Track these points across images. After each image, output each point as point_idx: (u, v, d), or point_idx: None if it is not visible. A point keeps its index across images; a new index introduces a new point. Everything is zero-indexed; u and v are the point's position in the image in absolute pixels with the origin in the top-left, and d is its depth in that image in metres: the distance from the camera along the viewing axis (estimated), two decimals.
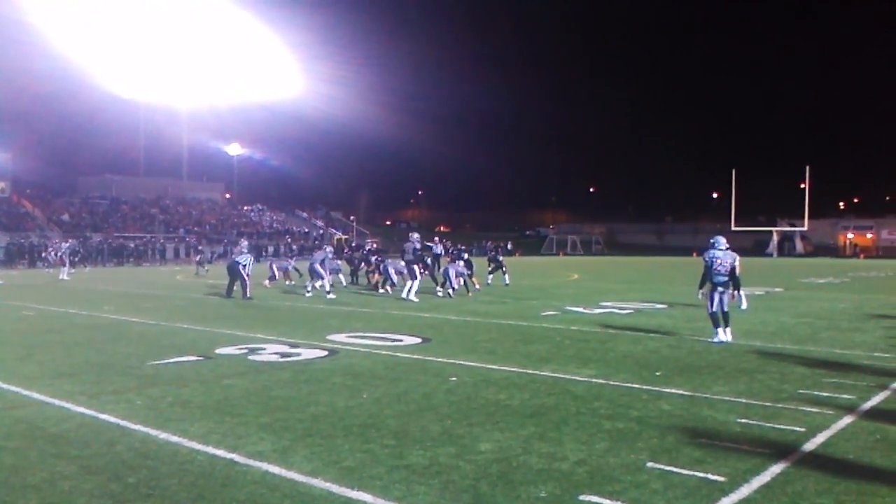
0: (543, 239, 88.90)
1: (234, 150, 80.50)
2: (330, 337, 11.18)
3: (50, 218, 58.25)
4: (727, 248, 10.80)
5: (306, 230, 70.72)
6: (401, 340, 10.88)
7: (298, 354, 9.61)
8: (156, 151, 77.99)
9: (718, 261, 10.59)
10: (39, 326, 13.23)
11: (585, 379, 7.90)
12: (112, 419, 6.17)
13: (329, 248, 21.29)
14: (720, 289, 10.54)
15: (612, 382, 7.72)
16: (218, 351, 9.86)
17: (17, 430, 5.89)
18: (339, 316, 14.53)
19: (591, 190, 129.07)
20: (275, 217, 74.45)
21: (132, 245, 51.88)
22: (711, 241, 10.99)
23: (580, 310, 15.49)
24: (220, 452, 5.18)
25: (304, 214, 79.32)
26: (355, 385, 7.59)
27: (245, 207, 76.94)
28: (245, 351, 9.84)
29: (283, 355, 9.55)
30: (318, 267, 18.96)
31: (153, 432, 5.74)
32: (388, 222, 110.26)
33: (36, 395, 7.14)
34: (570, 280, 28.04)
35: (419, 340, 10.91)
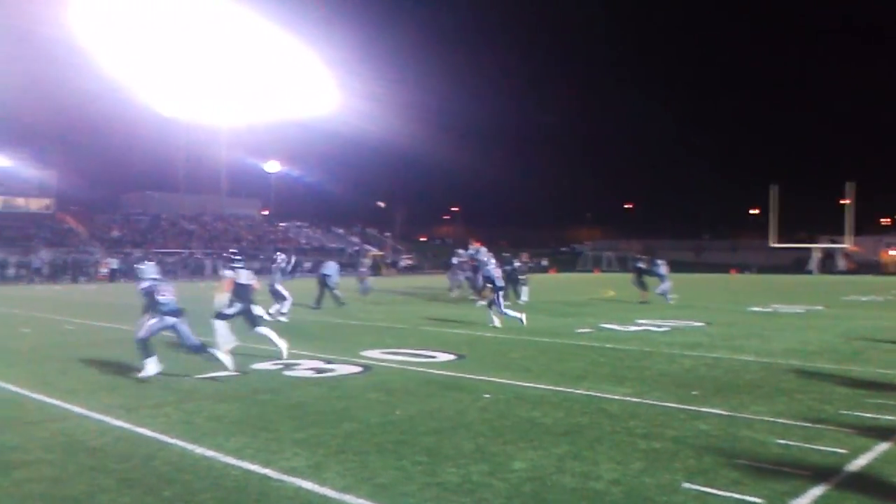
0: (578, 255, 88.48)
1: (272, 167, 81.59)
2: (364, 353, 11.22)
3: (93, 234, 59.40)
4: None
5: (342, 246, 71.22)
6: (435, 357, 10.88)
7: (333, 370, 9.66)
8: (195, 168, 79.34)
9: None
10: (80, 340, 13.49)
11: (620, 397, 7.81)
12: (149, 433, 6.25)
13: (282, 257, 19.17)
14: None
15: (647, 401, 7.62)
16: (254, 366, 9.96)
17: (58, 442, 5.99)
18: (372, 332, 14.58)
19: (628, 206, 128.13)
20: (311, 233, 75.12)
21: (171, 260, 52.72)
22: None
23: (615, 327, 15.35)
24: (255, 467, 5.22)
25: (341, 231, 79.96)
26: (389, 401, 7.60)
27: (282, 224, 77.81)
28: (280, 366, 9.92)
29: (318, 371, 9.60)
30: (279, 287, 17.37)
31: (189, 446, 5.80)
32: (423, 238, 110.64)
33: (76, 409, 7.26)
34: (605, 297, 27.83)
35: (453, 357, 10.90)
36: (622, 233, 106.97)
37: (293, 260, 20.52)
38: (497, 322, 15.33)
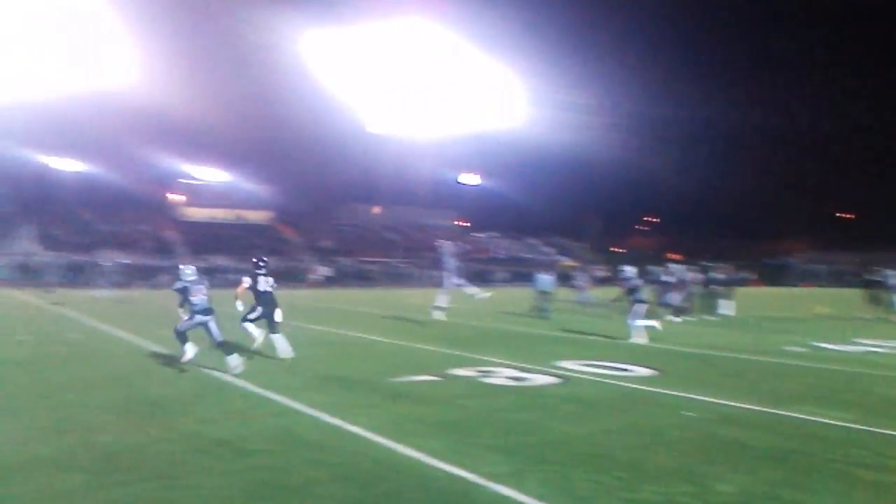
0: (786, 268, 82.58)
1: (468, 178, 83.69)
2: (560, 364, 11.21)
3: (306, 243, 64.04)
4: None
5: (534, 256, 71.48)
6: (632, 371, 10.65)
7: (529, 379, 9.74)
8: (397, 181, 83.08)
9: None
10: (297, 341, 14.56)
11: (838, 423, 7.21)
12: (359, 431, 6.65)
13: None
14: None
15: (870, 429, 6.99)
16: (451, 372, 10.27)
17: (278, 435, 6.54)
18: (568, 343, 14.52)
19: (843, 215, 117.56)
20: (506, 244, 76.11)
21: (374, 269, 55.52)
22: None
23: (831, 346, 14.18)
24: (458, 471, 5.40)
25: (534, 241, 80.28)
26: (586, 413, 7.56)
27: (477, 234, 79.48)
28: (477, 373, 10.16)
29: (515, 379, 9.73)
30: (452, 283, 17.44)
31: (395, 446, 6.11)
32: (617, 249, 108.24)
33: (292, 404, 7.88)
34: (817, 313, 25.75)
35: (651, 372, 10.61)
36: (835, 244, 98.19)
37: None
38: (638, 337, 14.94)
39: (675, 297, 22.18)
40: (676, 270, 22.59)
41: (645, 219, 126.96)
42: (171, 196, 73.94)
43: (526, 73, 67.33)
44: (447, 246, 18.54)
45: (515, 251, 73.29)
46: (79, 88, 60.08)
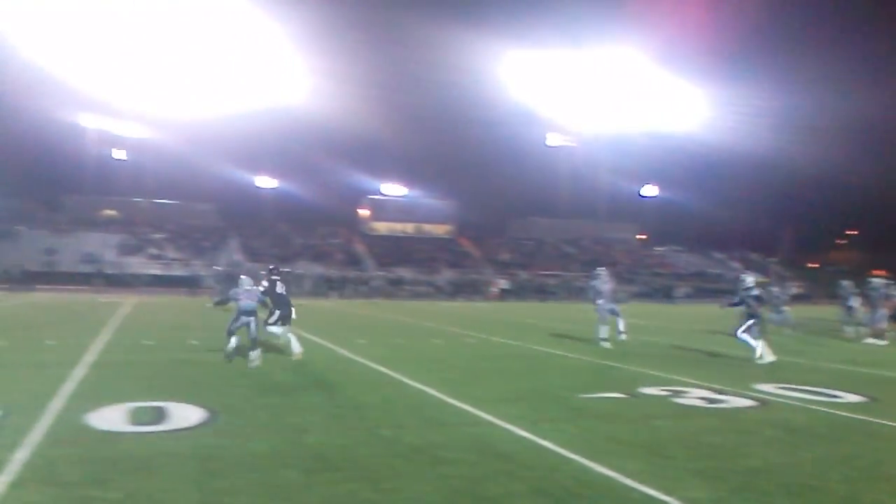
0: None
1: (648, 190, 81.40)
2: (757, 386, 10.61)
3: (485, 257, 65.03)
4: None
5: (720, 272, 68.11)
6: (838, 397, 9.88)
7: (724, 401, 9.31)
8: (574, 194, 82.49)
9: None
10: (481, 353, 14.87)
11: None
12: (551, 446, 6.67)
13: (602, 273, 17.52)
14: None
15: None
16: (641, 390, 10.03)
17: (473, 445, 6.68)
18: (764, 365, 13.70)
19: None
20: (689, 258, 73.16)
21: (552, 282, 55.33)
22: None
23: None
24: (655, 493, 5.27)
25: (720, 256, 76.53)
26: (791, 440, 7.11)
27: (658, 248, 77.04)
28: (668, 393, 9.85)
29: (708, 401, 9.34)
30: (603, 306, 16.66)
31: (589, 463, 6.06)
32: (812, 264, 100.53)
33: (484, 416, 8.02)
34: None
35: (861, 399, 9.79)
36: None
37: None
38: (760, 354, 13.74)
39: (881, 317, 20.33)
40: (879, 286, 20.74)
41: (847, 232, 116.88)
42: (359, 211, 77.86)
43: (700, 77, 64.71)
44: (603, 273, 17.58)
45: (699, 266, 70.19)
46: (277, 112, 64.93)
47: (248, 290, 12.29)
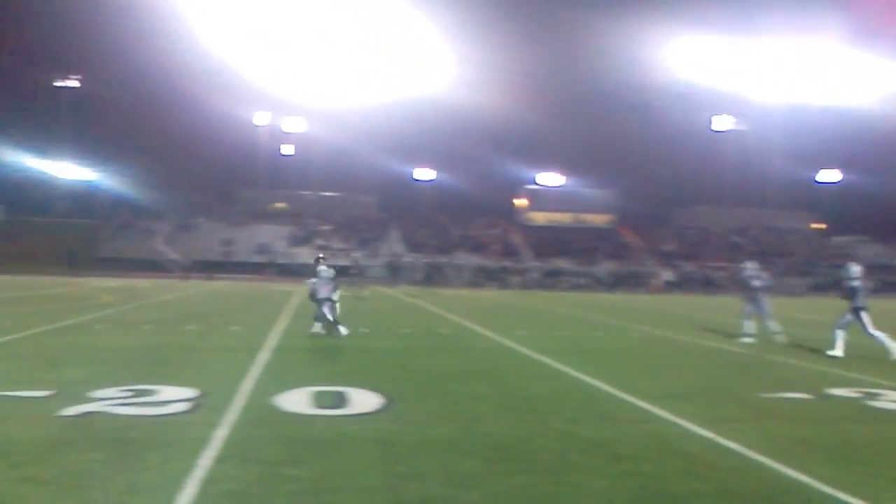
0: None
1: (826, 175, 75.88)
2: None
3: (648, 247, 63.28)
4: None
5: None
6: None
7: None
8: (742, 180, 78.38)
9: None
10: (647, 347, 14.49)
11: None
12: (734, 446, 6.38)
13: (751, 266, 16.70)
14: None
15: None
16: (829, 391, 9.39)
17: (651, 442, 6.52)
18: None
19: None
20: (876, 249, 67.53)
21: (719, 275, 52.92)
22: None
23: None
24: (858, 501, 4.93)
25: None
26: None
27: (838, 238, 71.66)
28: (861, 395, 9.16)
29: None
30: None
31: (777, 466, 5.76)
32: None
33: (658, 412, 7.80)
34: None
35: None
36: None
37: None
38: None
39: None
40: None
41: None
42: (516, 201, 77.95)
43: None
44: (752, 266, 16.64)
45: (888, 258, 64.61)
46: (434, 104, 66.25)
47: (325, 278, 14.63)
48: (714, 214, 74.02)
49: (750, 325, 15.80)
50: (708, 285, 50.48)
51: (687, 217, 75.17)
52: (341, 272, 16.72)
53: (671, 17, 62.83)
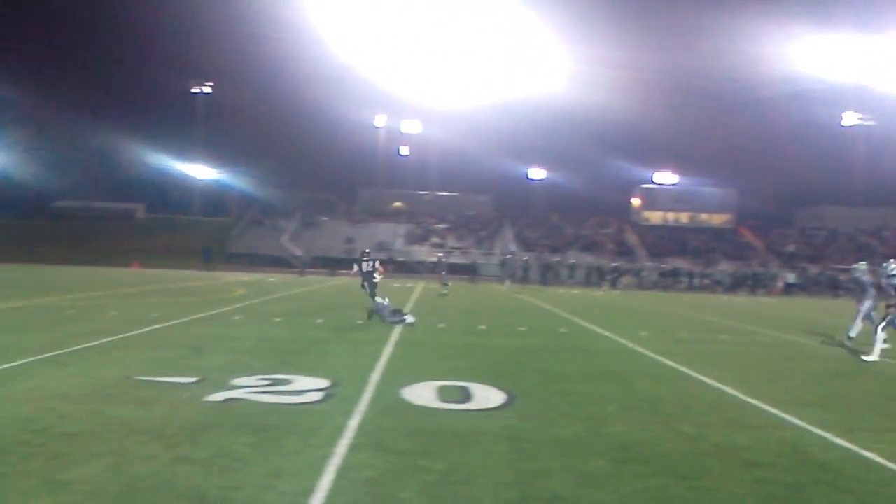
0: None
1: None
2: None
3: (769, 248, 60.69)
4: None
5: None
6: None
7: None
8: (873, 179, 73.88)
9: None
10: (774, 352, 13.96)
11: None
12: (876, 458, 6.13)
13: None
14: None
15: None
16: None
17: (784, 450, 6.33)
18: None
19: None
20: None
21: (844, 277, 50.12)
22: None
23: None
24: None
25: None
26: None
27: None
28: None
29: None
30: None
31: None
32: None
33: (790, 419, 7.55)
34: None
35: None
36: None
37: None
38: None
39: None
40: None
41: None
42: (630, 200, 76.45)
43: None
44: (863, 267, 15.72)
45: None
46: (547, 104, 65.80)
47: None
48: (841, 214, 70.11)
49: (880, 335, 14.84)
50: (834, 288, 47.85)
51: (810, 217, 71.58)
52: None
53: (792, 13, 59.96)
